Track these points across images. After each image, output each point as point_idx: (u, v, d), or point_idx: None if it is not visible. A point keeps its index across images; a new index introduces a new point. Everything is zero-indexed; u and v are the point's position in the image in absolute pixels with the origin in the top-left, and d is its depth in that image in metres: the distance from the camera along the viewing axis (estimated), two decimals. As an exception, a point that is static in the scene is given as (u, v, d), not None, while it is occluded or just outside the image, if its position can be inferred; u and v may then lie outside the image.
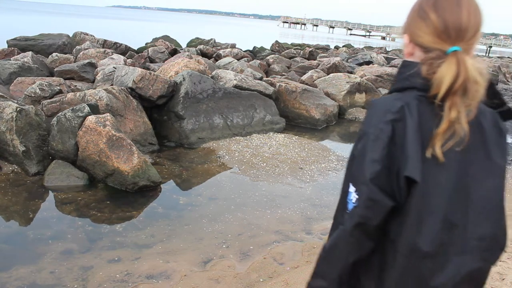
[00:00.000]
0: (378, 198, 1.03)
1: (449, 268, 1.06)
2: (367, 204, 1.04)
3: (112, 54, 9.61)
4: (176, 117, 6.31)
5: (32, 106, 4.99)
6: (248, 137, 6.69)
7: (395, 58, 17.72)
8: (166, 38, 16.30)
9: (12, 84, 6.45)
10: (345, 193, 1.10)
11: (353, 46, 29.56)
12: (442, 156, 1.01)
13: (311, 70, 11.03)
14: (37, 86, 5.74)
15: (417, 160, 1.01)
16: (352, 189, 1.07)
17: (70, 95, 5.51)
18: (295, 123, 8.12)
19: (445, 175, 1.03)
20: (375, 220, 1.04)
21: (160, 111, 6.50)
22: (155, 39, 15.90)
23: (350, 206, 1.07)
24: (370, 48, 29.42)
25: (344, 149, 6.78)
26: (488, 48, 63.64)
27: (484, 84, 1.02)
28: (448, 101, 1.01)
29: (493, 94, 1.10)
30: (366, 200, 1.04)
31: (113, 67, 7.46)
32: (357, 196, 1.05)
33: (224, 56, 12.71)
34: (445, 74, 1.00)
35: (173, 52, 12.23)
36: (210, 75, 7.53)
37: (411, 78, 1.07)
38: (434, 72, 1.01)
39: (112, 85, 6.61)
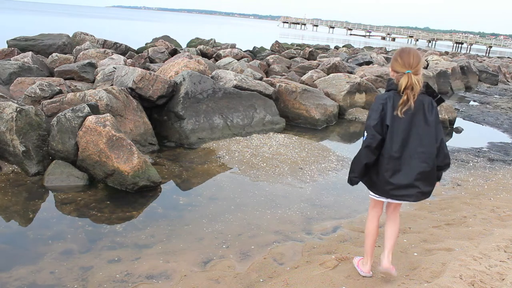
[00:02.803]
0: (375, 135, 2.59)
1: (405, 168, 2.60)
2: (371, 137, 2.60)
3: (112, 54, 9.61)
4: (176, 117, 6.30)
5: (32, 106, 4.99)
6: (248, 137, 6.69)
7: (395, 58, 17.70)
8: (166, 38, 16.30)
9: (12, 84, 6.45)
10: (363, 135, 2.66)
11: (353, 46, 29.56)
12: (401, 114, 2.55)
13: (311, 70, 11.03)
14: (37, 86, 5.74)
15: (390, 118, 2.56)
16: (365, 132, 2.63)
17: (70, 95, 5.51)
18: (295, 123, 8.13)
19: (402, 122, 2.57)
20: (374, 144, 2.59)
21: (160, 111, 6.50)
22: (155, 39, 15.90)
23: (364, 139, 2.64)
24: (370, 48, 29.43)
25: (344, 149, 6.78)
26: (488, 48, 63.60)
27: (420, 86, 2.55)
28: (404, 92, 2.55)
29: (430, 90, 2.66)
30: (370, 135, 2.60)
31: (113, 67, 7.46)
32: (366, 134, 2.62)
33: (224, 56, 12.72)
34: (402, 81, 2.57)
35: (173, 52, 12.24)
36: (210, 75, 7.53)
37: (391, 85, 2.66)
38: (399, 81, 2.58)
39: (112, 85, 6.61)
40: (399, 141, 2.57)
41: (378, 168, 2.66)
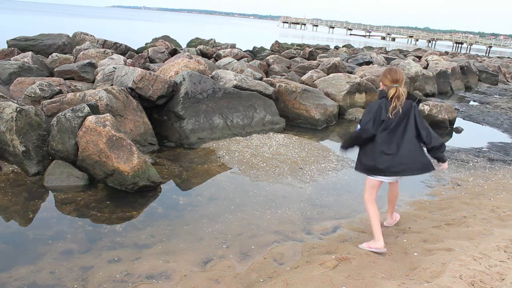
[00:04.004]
0: (369, 129, 3.40)
1: (397, 153, 3.38)
2: (363, 130, 3.42)
3: (112, 54, 9.61)
4: (176, 117, 6.30)
5: (32, 106, 4.99)
6: (248, 137, 6.69)
7: (395, 58, 17.73)
8: (166, 38, 16.31)
9: (12, 84, 6.45)
10: (357, 127, 3.49)
11: (353, 46, 29.56)
12: (392, 116, 3.36)
13: (311, 70, 11.03)
14: (37, 86, 5.74)
15: (384, 116, 3.38)
16: (358, 125, 3.46)
17: (70, 95, 5.51)
18: (295, 123, 8.12)
19: (393, 121, 3.38)
20: (364, 136, 3.43)
21: (160, 111, 6.50)
22: (155, 39, 15.91)
23: (357, 129, 3.48)
24: (370, 48, 29.43)
25: (344, 149, 6.77)
26: (488, 48, 63.60)
27: (405, 95, 3.40)
28: (393, 100, 3.38)
29: (411, 96, 3.48)
30: (362, 129, 3.42)
31: (113, 67, 7.46)
32: (359, 127, 3.45)
33: (224, 56, 12.72)
34: (391, 92, 3.40)
35: (173, 52, 12.24)
36: (210, 75, 7.53)
37: (383, 94, 3.48)
38: (388, 91, 3.42)
39: (112, 85, 6.61)
40: (392, 135, 3.40)
41: (375, 157, 3.44)
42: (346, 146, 3.61)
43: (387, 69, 3.58)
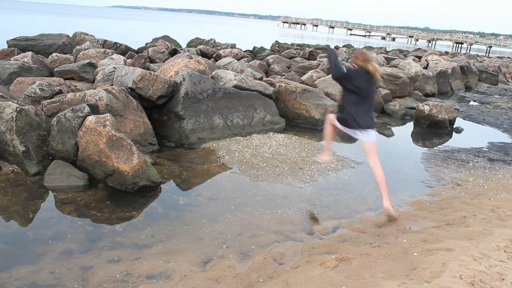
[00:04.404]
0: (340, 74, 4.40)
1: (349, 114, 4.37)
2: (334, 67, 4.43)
3: (112, 54, 9.61)
4: (176, 117, 6.30)
5: (32, 106, 4.99)
6: (248, 137, 6.69)
7: (395, 58, 17.72)
8: (166, 38, 16.30)
9: (12, 84, 6.45)
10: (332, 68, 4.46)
11: (353, 46, 29.55)
12: (363, 81, 4.32)
13: (311, 70, 11.02)
14: (37, 86, 5.74)
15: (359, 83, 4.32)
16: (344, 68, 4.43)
17: (70, 95, 5.51)
18: (295, 123, 8.12)
19: (367, 89, 4.35)
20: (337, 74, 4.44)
21: (160, 111, 6.50)
22: (155, 39, 15.90)
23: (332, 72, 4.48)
24: (370, 48, 29.42)
25: (344, 149, 6.78)
26: (488, 48, 63.59)
27: (380, 71, 4.38)
28: (371, 73, 4.28)
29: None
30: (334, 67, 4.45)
31: (113, 67, 7.46)
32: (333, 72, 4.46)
33: (224, 56, 12.71)
34: (370, 68, 4.24)
35: (173, 52, 12.23)
36: (210, 75, 7.53)
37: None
38: (367, 67, 4.27)
39: (112, 85, 6.61)
40: (364, 99, 4.33)
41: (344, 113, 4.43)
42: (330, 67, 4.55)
43: (358, 52, 4.51)
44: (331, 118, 4.63)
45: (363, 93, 4.26)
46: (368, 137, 4.35)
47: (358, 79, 4.24)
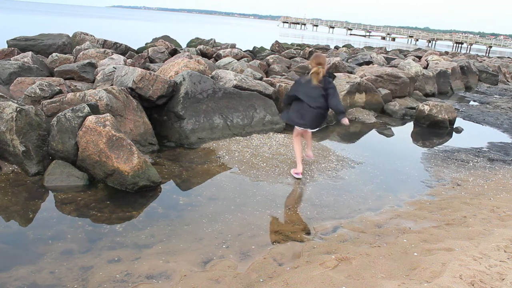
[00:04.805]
0: (291, 96, 5.29)
1: (312, 110, 5.08)
2: (286, 98, 5.45)
3: (112, 54, 9.61)
4: (176, 117, 6.30)
5: (32, 106, 4.98)
6: (248, 137, 6.69)
7: (395, 58, 17.72)
8: (166, 38, 16.30)
9: (12, 84, 6.45)
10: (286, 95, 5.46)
11: (353, 46, 29.56)
12: (309, 87, 5.06)
13: (311, 70, 11.01)
14: (37, 86, 5.74)
15: (298, 89, 5.20)
16: (286, 95, 5.45)
17: (70, 95, 5.51)
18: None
19: (309, 90, 5.07)
20: (287, 102, 5.42)
21: (160, 111, 6.50)
22: (155, 39, 15.90)
23: (284, 98, 5.57)
24: (370, 48, 29.42)
25: (344, 149, 6.78)
26: (488, 48, 63.61)
27: (323, 73, 4.99)
28: (313, 75, 5.00)
29: (329, 74, 5.15)
30: (286, 96, 5.43)
31: (113, 67, 7.46)
32: (286, 97, 5.47)
33: (224, 56, 12.71)
34: (313, 70, 5.00)
35: (173, 52, 12.23)
36: (210, 75, 7.52)
37: (308, 71, 5.17)
38: (312, 69, 5.03)
39: (112, 85, 6.61)
40: (309, 100, 5.05)
41: (302, 113, 5.13)
42: (284, 104, 5.54)
43: (314, 55, 5.22)
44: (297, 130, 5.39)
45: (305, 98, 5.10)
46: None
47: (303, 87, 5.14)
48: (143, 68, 8.08)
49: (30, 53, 8.44)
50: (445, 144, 7.87)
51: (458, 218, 4.37)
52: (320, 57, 5.07)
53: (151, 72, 6.40)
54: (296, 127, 5.28)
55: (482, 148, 7.76)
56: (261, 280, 3.08)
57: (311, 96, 4.99)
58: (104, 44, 12.29)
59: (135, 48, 13.45)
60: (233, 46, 16.99)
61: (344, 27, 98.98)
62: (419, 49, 34.33)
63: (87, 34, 12.88)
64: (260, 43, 22.17)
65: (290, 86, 5.27)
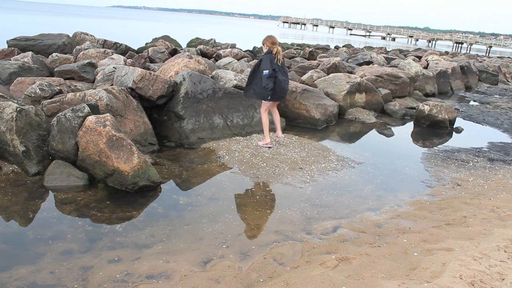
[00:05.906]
0: (272, 74, 5.55)
1: (283, 84, 5.71)
2: (271, 74, 5.51)
3: (112, 54, 9.61)
4: (176, 117, 6.30)
5: (32, 106, 4.99)
6: (248, 137, 6.69)
7: (395, 58, 17.72)
8: (166, 38, 16.31)
9: (12, 84, 6.45)
10: (262, 72, 5.56)
11: (353, 46, 29.58)
12: (278, 64, 5.58)
13: (311, 70, 11.03)
14: (37, 86, 5.74)
15: (274, 64, 5.56)
16: (266, 71, 5.50)
17: (70, 95, 5.51)
18: (295, 123, 8.12)
19: (278, 67, 5.60)
20: (273, 77, 5.59)
21: (160, 111, 6.50)
22: (155, 39, 15.91)
23: (264, 74, 5.51)
24: (370, 48, 29.43)
25: (344, 149, 6.78)
26: (488, 48, 63.60)
27: (282, 53, 5.69)
28: (276, 54, 5.59)
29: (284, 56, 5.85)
30: (271, 73, 5.51)
31: (113, 67, 7.46)
32: (267, 72, 5.49)
33: (224, 56, 12.72)
34: (275, 50, 5.59)
35: (173, 52, 12.23)
36: (210, 75, 7.53)
37: (268, 51, 5.62)
38: (273, 50, 5.61)
39: (112, 85, 6.61)
40: (281, 76, 5.57)
41: (275, 87, 5.58)
42: (268, 88, 5.51)
43: (267, 36, 5.72)
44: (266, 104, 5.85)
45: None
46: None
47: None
48: (143, 68, 8.08)
49: (30, 53, 8.44)
50: (445, 144, 7.87)
51: (458, 218, 4.37)
52: (274, 37, 5.71)
53: (151, 72, 6.40)
54: (264, 102, 5.76)
55: (482, 148, 7.76)
56: (261, 280, 3.08)
57: (284, 72, 5.70)
58: (104, 44, 12.29)
59: (135, 48, 13.46)
60: (233, 46, 16.99)
61: (344, 27, 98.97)
62: (419, 49, 34.34)
63: (87, 34, 12.88)
64: (260, 43, 22.15)
65: (261, 66, 5.55)
